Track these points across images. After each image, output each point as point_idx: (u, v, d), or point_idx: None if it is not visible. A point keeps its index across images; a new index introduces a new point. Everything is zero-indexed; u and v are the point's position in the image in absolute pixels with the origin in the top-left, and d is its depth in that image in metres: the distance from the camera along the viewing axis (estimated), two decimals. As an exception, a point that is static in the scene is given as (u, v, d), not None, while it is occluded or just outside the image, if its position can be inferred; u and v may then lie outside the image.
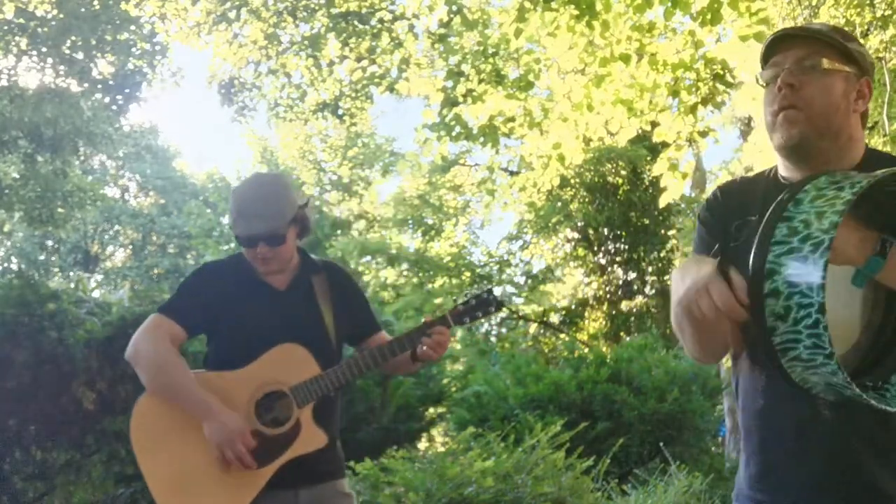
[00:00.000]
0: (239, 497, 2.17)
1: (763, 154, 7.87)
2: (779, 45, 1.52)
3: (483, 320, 2.41)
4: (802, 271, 1.20)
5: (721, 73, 5.23)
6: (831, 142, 1.48)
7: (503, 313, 17.09)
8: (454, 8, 8.01)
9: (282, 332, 2.24)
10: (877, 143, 8.96)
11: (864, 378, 1.31)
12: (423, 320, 2.40)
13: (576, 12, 4.81)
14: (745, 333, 1.48)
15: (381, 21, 8.82)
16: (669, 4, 4.58)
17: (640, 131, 5.38)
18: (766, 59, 1.54)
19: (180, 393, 2.20)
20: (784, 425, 1.48)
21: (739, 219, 1.54)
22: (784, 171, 1.57)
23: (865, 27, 8.80)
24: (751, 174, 1.72)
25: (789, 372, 1.26)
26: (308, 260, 2.43)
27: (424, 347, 2.31)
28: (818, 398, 1.33)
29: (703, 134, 5.19)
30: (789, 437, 1.48)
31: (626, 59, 4.91)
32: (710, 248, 1.59)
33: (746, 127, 12.96)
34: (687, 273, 1.39)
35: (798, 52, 1.48)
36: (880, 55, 8.69)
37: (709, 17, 4.50)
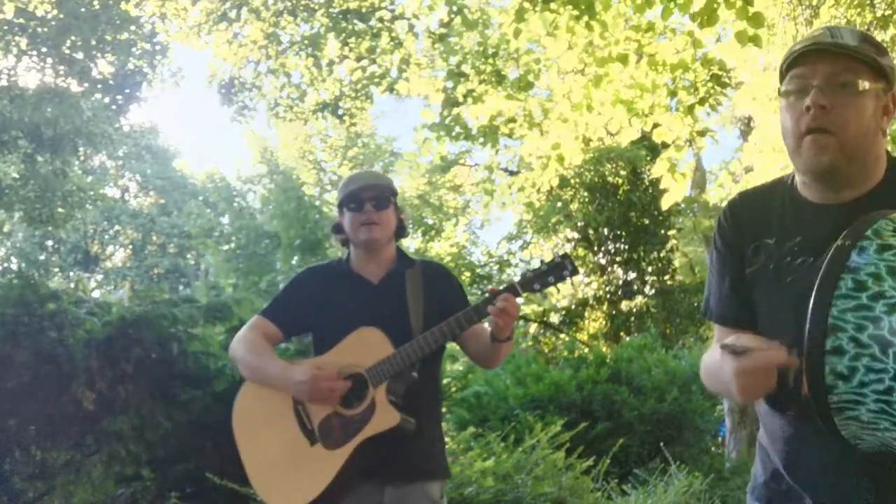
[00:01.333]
0: (319, 478, 2.23)
1: (763, 154, 7.88)
2: (806, 57, 1.38)
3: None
4: (874, 332, 1.11)
5: (718, 73, 5.22)
6: (860, 166, 1.39)
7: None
8: (454, 8, 8.01)
9: (368, 322, 2.32)
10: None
11: None
12: (488, 290, 2.39)
13: (575, 12, 4.81)
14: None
15: (380, 20, 8.82)
16: (669, 3, 4.57)
17: (641, 131, 5.38)
18: (789, 68, 1.42)
19: (264, 369, 2.35)
20: (814, 459, 1.41)
21: (755, 240, 1.45)
22: (804, 189, 1.47)
23: (865, 27, 8.80)
24: (760, 185, 1.61)
25: (839, 428, 1.19)
26: (403, 256, 2.53)
27: (492, 324, 2.27)
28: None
29: (702, 133, 5.18)
30: (819, 466, 1.41)
31: (623, 59, 4.91)
32: (723, 276, 1.52)
33: (746, 127, 12.96)
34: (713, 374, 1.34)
35: (829, 67, 1.35)
36: (880, 55, 8.69)
37: (706, 18, 4.50)
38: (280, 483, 2.28)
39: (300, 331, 2.57)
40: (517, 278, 2.37)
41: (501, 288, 2.31)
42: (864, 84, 1.35)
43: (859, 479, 1.36)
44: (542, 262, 2.35)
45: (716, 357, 1.36)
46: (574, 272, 2.33)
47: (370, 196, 2.40)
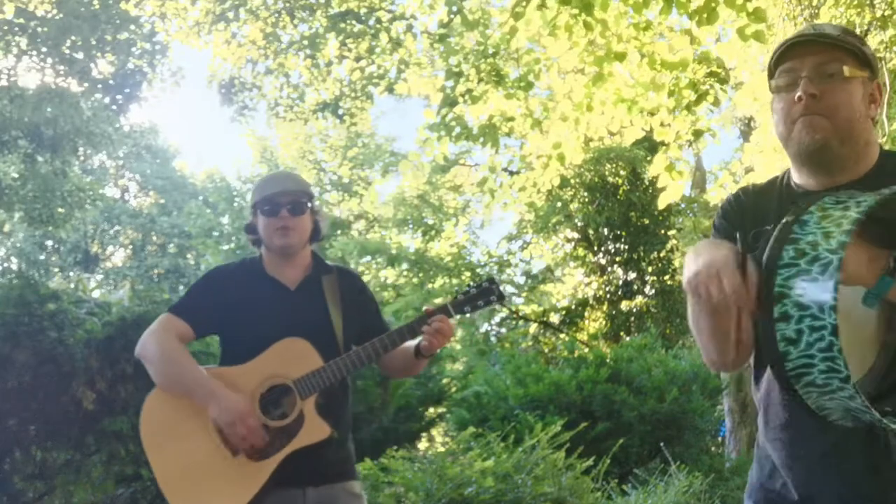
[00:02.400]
0: (244, 489, 2.19)
1: (763, 154, 7.87)
2: (793, 50, 1.45)
3: (483, 315, 2.33)
4: (812, 293, 1.18)
5: (717, 70, 5.21)
6: (851, 148, 1.43)
7: (503, 313, 17.10)
8: (454, 8, 8.00)
9: (289, 330, 2.27)
10: (877, 143, 8.96)
11: (882, 403, 1.26)
12: (423, 309, 2.40)
13: (574, 11, 4.80)
14: (760, 353, 1.45)
15: (378, 21, 8.82)
16: (667, 2, 4.56)
17: (643, 131, 5.37)
18: (777, 64, 1.48)
19: (186, 382, 2.26)
20: (812, 442, 1.43)
21: (755, 227, 1.50)
22: (798, 178, 1.52)
23: (865, 27, 8.80)
24: (761, 182, 1.67)
25: (805, 398, 1.24)
26: (319, 261, 2.49)
27: (424, 341, 2.30)
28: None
29: (698, 133, 5.17)
30: (817, 451, 1.43)
31: (621, 57, 4.89)
32: None
33: (746, 127, 12.96)
34: (701, 253, 1.35)
35: (816, 58, 1.42)
36: (880, 55, 8.69)
37: (705, 16, 4.48)
38: (200, 495, 2.21)
39: (211, 331, 2.48)
40: (448, 301, 2.40)
41: (435, 309, 2.34)
42: (851, 71, 1.41)
43: (855, 465, 1.37)
44: (469, 286, 2.41)
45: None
46: (500, 298, 2.39)
47: (286, 201, 2.35)
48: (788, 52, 1.45)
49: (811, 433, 1.42)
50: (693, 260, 1.36)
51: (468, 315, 2.43)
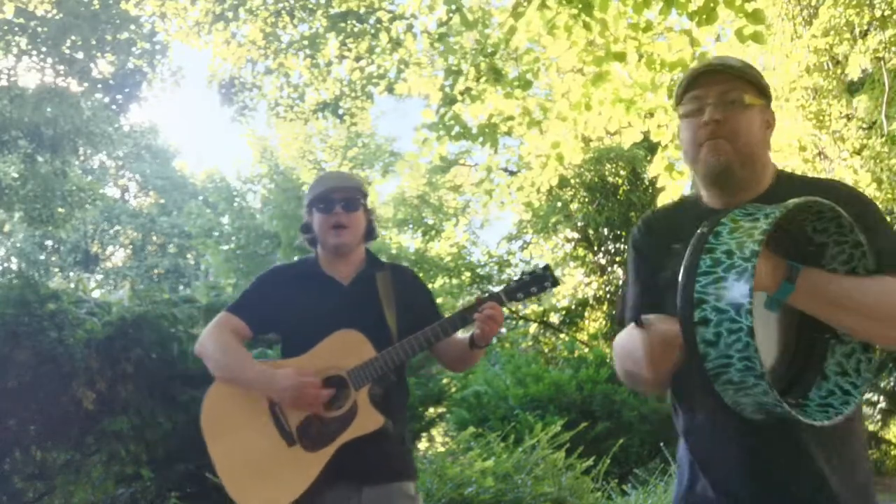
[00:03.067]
0: (300, 478, 2.21)
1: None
2: (699, 80, 1.60)
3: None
4: (730, 298, 1.27)
5: None
6: (751, 170, 1.58)
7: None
8: (453, 7, 8.00)
9: (344, 325, 2.30)
10: (875, 143, 8.96)
11: (786, 397, 1.36)
12: (475, 298, 2.39)
13: (573, 11, 4.80)
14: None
15: (378, 21, 8.81)
16: (667, 2, 4.56)
17: (641, 133, 5.37)
18: (685, 92, 1.62)
19: (244, 371, 2.31)
20: (731, 445, 1.54)
21: (667, 247, 1.61)
22: (707, 197, 1.67)
23: (865, 27, 8.81)
24: (672, 202, 1.85)
25: (722, 395, 1.33)
26: (373, 258, 2.52)
27: (477, 330, 2.30)
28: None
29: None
30: (735, 452, 1.54)
31: (620, 57, 4.89)
32: (636, 283, 1.70)
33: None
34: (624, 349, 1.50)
35: (720, 87, 1.57)
36: (880, 55, 8.69)
37: (704, 17, 4.48)
38: (258, 484, 2.24)
39: (268, 329, 2.51)
40: (501, 288, 2.41)
41: (486, 296, 2.34)
42: (751, 99, 1.58)
43: (775, 469, 1.50)
44: (523, 273, 2.42)
45: (626, 336, 1.54)
46: (555, 283, 2.41)
47: (340, 198, 2.39)
48: (695, 82, 1.60)
49: (730, 435, 1.53)
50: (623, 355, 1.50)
51: (521, 301, 2.42)
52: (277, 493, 2.22)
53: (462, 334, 2.39)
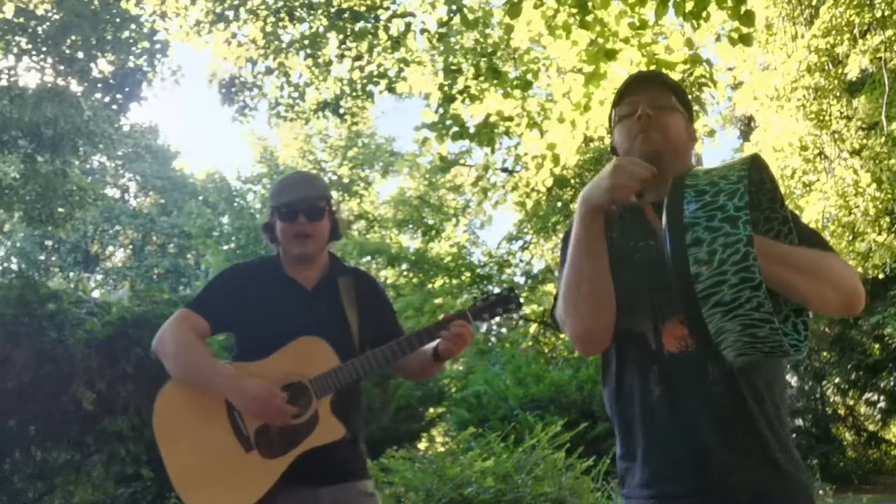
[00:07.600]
0: (256, 485, 2.18)
1: (763, 154, 7.88)
2: (634, 86, 1.76)
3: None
4: (723, 216, 1.27)
5: (703, 73, 5.22)
6: (680, 165, 1.67)
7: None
8: (454, 7, 8.00)
9: (305, 329, 2.26)
10: (876, 143, 8.96)
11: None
12: (440, 316, 2.39)
13: (572, 10, 4.80)
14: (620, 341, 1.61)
15: (377, 19, 8.81)
16: (663, 3, 4.56)
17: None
18: (621, 98, 1.76)
19: (204, 372, 2.25)
20: (671, 419, 1.58)
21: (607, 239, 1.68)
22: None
23: (865, 27, 8.81)
24: None
25: (707, 322, 1.30)
26: (336, 262, 2.49)
27: (442, 345, 2.30)
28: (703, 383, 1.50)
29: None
30: (671, 427, 1.58)
31: (612, 54, 4.88)
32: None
33: (746, 127, 12.96)
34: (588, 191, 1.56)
35: (652, 93, 1.73)
36: (880, 55, 8.69)
37: (696, 19, 4.48)
38: (212, 490, 2.19)
39: (227, 328, 2.44)
40: (469, 306, 2.43)
41: (453, 314, 2.35)
42: (677, 105, 1.74)
43: (713, 436, 1.54)
44: (490, 293, 2.44)
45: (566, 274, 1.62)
46: (519, 307, 2.43)
47: (304, 207, 2.35)
48: (629, 88, 1.76)
49: (672, 408, 1.58)
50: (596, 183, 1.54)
51: (487, 321, 2.43)
52: (232, 500, 2.18)
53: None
